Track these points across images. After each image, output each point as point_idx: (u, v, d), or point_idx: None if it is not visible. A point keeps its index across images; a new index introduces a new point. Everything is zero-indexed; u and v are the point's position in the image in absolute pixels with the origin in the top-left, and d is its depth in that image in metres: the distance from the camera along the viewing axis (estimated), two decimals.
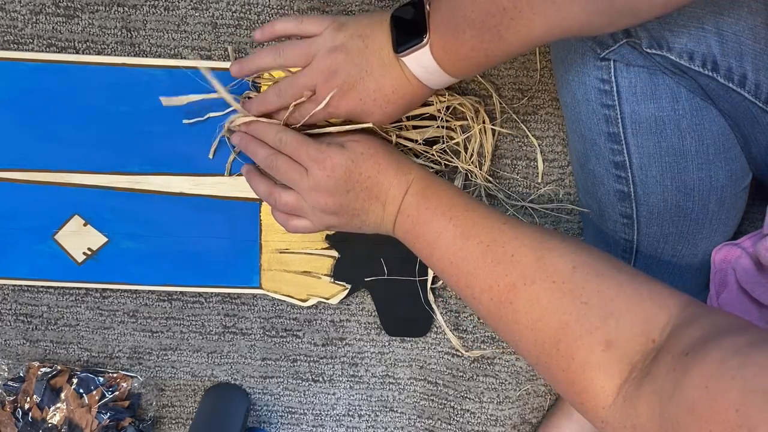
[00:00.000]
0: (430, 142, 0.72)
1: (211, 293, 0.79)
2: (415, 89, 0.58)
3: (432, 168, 0.73)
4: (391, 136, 0.68)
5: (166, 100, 0.70)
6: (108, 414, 0.80)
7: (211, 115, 0.73)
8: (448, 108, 0.71)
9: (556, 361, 0.48)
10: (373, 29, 0.58)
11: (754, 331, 0.42)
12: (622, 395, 0.44)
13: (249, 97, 0.69)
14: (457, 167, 0.73)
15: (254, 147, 0.64)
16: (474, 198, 0.60)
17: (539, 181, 0.77)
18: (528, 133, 0.75)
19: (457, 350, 0.80)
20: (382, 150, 0.62)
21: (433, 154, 0.72)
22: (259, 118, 0.66)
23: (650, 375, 0.43)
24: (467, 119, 0.72)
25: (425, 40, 0.54)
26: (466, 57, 0.54)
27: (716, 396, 0.37)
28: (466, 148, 0.73)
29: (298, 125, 0.63)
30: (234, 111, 0.68)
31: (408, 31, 0.55)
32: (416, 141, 0.70)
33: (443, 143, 0.72)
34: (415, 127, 0.72)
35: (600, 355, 0.46)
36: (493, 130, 0.73)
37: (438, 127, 0.70)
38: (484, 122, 0.72)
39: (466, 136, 0.72)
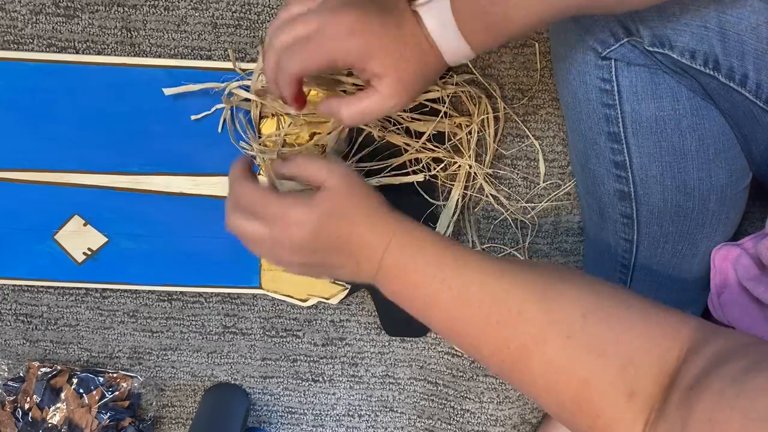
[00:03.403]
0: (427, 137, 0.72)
1: (211, 293, 0.79)
2: (434, 51, 0.53)
3: (433, 167, 0.73)
4: (376, 131, 0.68)
5: (168, 91, 0.72)
6: (108, 414, 0.79)
7: (218, 106, 0.73)
8: (451, 103, 0.71)
9: (580, 419, 0.47)
10: None
11: (755, 351, 0.41)
12: None
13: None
14: (457, 164, 0.73)
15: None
16: (459, 244, 0.54)
17: (540, 182, 0.77)
18: (528, 133, 0.75)
19: (456, 350, 0.80)
20: (356, 203, 0.54)
21: (435, 148, 0.72)
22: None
23: (663, 415, 0.42)
24: (470, 113, 0.72)
25: None
26: (484, 12, 0.50)
27: (719, 429, 0.38)
28: (468, 142, 0.73)
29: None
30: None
31: None
32: (425, 138, 0.70)
33: (448, 140, 0.72)
34: (415, 120, 0.72)
35: (624, 407, 0.45)
36: (496, 119, 0.73)
37: (441, 118, 0.70)
38: (486, 112, 0.72)
39: (469, 129, 0.72)
